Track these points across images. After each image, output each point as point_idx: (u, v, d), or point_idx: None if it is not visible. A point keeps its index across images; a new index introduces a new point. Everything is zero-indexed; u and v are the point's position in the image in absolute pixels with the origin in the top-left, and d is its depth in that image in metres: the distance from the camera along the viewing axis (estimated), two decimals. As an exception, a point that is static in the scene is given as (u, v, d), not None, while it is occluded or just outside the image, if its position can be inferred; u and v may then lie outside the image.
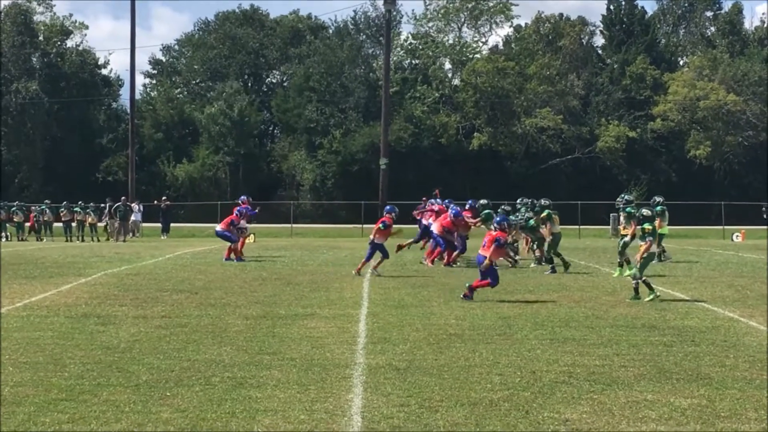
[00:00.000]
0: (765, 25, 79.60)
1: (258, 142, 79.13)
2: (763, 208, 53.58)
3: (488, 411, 8.25)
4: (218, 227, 27.87)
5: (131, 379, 9.56)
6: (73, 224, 45.33)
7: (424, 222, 27.21)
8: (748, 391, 9.06)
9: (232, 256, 26.74)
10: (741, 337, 12.38)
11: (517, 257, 25.50)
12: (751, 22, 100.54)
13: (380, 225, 22.39)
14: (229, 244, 27.07)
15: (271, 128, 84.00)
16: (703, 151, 66.91)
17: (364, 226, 51.93)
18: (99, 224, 45.75)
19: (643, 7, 77.21)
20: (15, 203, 48.01)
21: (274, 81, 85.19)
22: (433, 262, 25.45)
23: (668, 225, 27.10)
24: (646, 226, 17.32)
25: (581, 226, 51.51)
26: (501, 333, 12.62)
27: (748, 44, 77.38)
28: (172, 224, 51.79)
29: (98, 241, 43.54)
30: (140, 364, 10.33)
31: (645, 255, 16.92)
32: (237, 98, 73.70)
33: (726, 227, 50.73)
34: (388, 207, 24.07)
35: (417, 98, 70.85)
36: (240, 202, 29.11)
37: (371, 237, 22.41)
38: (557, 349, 11.37)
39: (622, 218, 23.94)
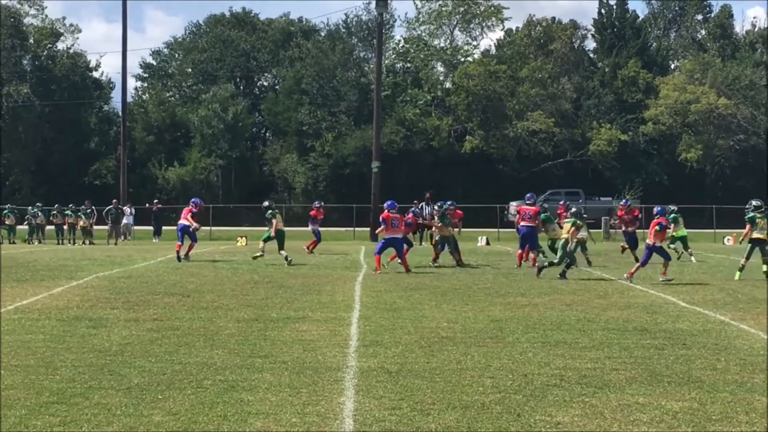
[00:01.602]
0: (756, 29, 79.79)
1: (250, 145, 79.08)
2: (505, 212, 53.70)
3: (480, 414, 8.25)
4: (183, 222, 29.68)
5: (123, 382, 9.55)
6: (65, 227, 45.33)
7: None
8: (739, 395, 9.08)
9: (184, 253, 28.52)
10: (732, 340, 12.40)
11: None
12: (742, 25, 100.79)
13: (656, 227, 21.59)
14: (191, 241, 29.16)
15: (263, 131, 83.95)
16: (695, 154, 66.99)
17: (356, 229, 52.00)
18: (96, 227, 45.94)
19: (634, 11, 77.36)
20: (7, 206, 47.94)
21: (265, 84, 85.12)
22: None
23: None
24: None
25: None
26: (493, 336, 12.63)
27: (739, 48, 77.54)
28: (163, 227, 51.74)
29: (90, 244, 43.52)
30: (132, 367, 10.32)
31: None
32: (231, 102, 73.58)
33: (717, 230, 50.81)
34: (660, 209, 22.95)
35: (408, 101, 70.86)
36: (316, 206, 35.53)
37: (649, 241, 21.67)
38: (549, 352, 11.38)
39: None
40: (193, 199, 31.04)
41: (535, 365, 10.48)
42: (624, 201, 31.38)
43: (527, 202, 26.90)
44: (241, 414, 8.24)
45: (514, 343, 12.07)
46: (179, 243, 29.00)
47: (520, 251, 26.57)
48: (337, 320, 14.20)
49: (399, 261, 24.45)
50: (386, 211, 24.71)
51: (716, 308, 15.83)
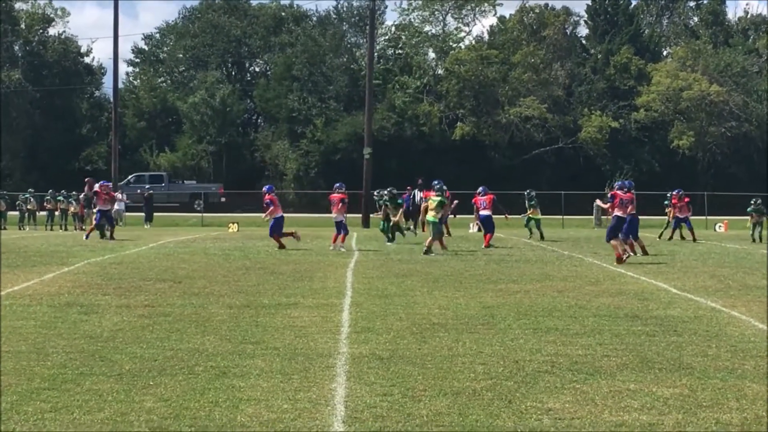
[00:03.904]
0: (748, 15, 79.80)
1: (241, 132, 78.96)
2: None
3: (471, 400, 8.26)
4: None
5: (114, 368, 9.53)
6: (56, 213, 45.26)
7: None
8: (729, 381, 9.10)
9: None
10: (723, 327, 12.42)
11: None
12: (734, 12, 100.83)
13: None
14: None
15: (254, 117, 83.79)
16: (686, 141, 67.04)
17: (348, 215, 51.81)
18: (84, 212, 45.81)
19: (627, -2, 77.35)
20: (-2, 192, 47.79)
21: (257, 70, 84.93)
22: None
23: (654, 215, 28.45)
24: None
25: (564, 216, 51.72)
26: (484, 322, 12.63)
27: (731, 35, 77.55)
28: (155, 213, 51.73)
29: (82, 230, 43.43)
30: (123, 353, 10.31)
31: None
32: (219, 87, 73.42)
33: (709, 217, 50.85)
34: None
35: (398, 88, 70.73)
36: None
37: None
38: (540, 338, 11.39)
39: None
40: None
41: (526, 352, 10.49)
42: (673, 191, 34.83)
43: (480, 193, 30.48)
44: (232, 400, 8.23)
45: (506, 329, 12.08)
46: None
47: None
48: (328, 306, 14.20)
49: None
50: (269, 194, 27.77)
51: (707, 295, 15.85)
